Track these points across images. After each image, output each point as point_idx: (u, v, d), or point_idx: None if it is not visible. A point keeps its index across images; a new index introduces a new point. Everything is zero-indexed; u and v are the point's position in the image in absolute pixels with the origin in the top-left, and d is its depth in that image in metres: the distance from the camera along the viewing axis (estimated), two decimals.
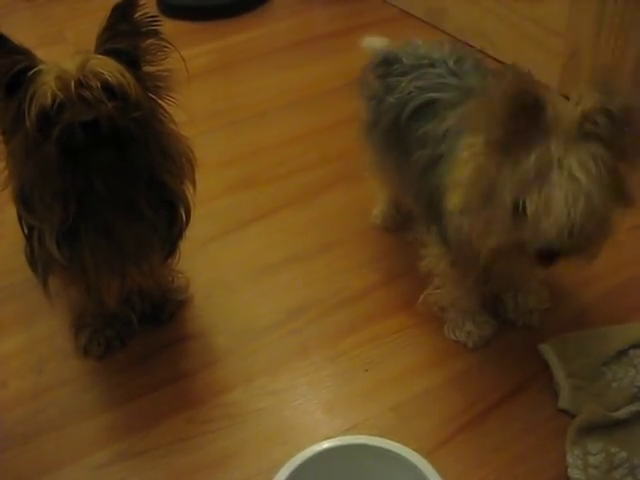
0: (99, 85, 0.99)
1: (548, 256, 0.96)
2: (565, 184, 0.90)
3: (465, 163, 1.01)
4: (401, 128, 1.21)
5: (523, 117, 0.92)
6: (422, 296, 1.28)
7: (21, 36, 1.04)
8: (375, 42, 1.37)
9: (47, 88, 0.98)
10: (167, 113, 1.12)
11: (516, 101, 0.91)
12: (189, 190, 1.18)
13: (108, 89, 1.00)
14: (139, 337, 1.33)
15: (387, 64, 1.28)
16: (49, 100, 0.97)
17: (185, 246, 1.23)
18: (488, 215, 0.98)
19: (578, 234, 0.93)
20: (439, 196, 1.09)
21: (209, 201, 1.62)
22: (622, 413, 1.10)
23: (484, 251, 1.03)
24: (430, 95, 1.17)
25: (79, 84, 0.98)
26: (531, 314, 1.29)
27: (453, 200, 1.03)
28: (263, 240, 1.55)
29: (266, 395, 1.22)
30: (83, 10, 2.54)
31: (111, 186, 1.05)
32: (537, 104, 0.92)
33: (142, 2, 1.06)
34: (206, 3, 2.50)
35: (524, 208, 0.93)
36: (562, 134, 0.92)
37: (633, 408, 1.11)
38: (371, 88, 1.31)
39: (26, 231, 1.14)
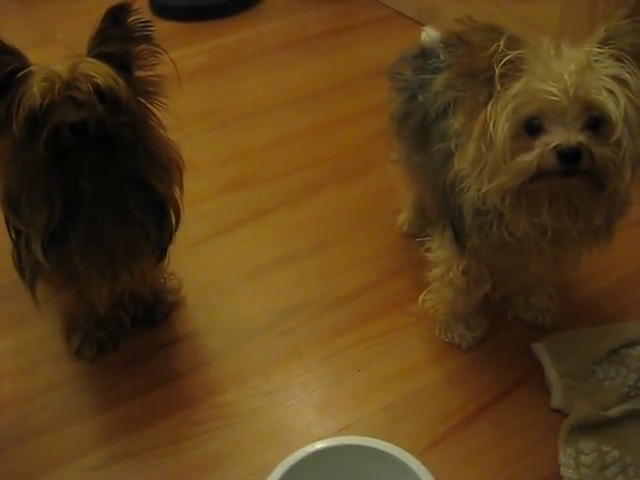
0: (90, 88, 0.98)
1: (570, 156, 0.89)
2: (565, 60, 0.89)
3: (464, 120, 1.00)
4: (427, 126, 1.19)
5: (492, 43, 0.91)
6: (420, 301, 1.27)
7: (13, 37, 1.03)
8: (431, 33, 1.33)
9: (36, 89, 0.97)
10: (156, 118, 1.12)
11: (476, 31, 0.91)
12: (177, 194, 1.17)
13: (99, 92, 0.99)
14: (132, 339, 1.33)
15: (424, 57, 1.25)
16: (37, 101, 0.97)
17: (177, 247, 1.23)
18: (501, 153, 0.94)
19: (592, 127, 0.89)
20: (454, 187, 1.06)
21: (202, 202, 1.63)
22: (614, 412, 1.11)
23: (507, 199, 0.96)
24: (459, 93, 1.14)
25: (69, 86, 0.98)
26: (543, 315, 1.29)
27: (463, 157, 1.01)
28: (255, 241, 1.54)
29: (259, 396, 1.22)
30: (75, 11, 2.54)
31: (99, 188, 1.04)
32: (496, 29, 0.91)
33: (135, 7, 1.05)
34: (199, 4, 2.49)
35: (531, 119, 0.90)
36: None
37: (625, 407, 1.11)
38: (405, 80, 1.29)
39: (14, 236, 1.13)
